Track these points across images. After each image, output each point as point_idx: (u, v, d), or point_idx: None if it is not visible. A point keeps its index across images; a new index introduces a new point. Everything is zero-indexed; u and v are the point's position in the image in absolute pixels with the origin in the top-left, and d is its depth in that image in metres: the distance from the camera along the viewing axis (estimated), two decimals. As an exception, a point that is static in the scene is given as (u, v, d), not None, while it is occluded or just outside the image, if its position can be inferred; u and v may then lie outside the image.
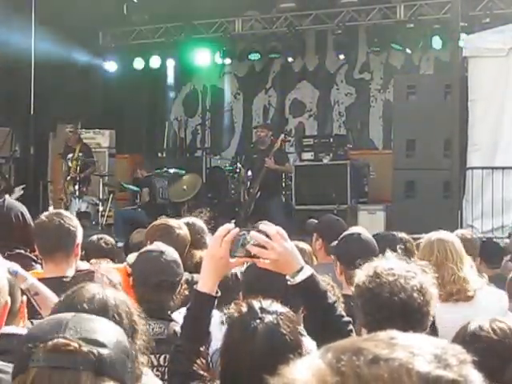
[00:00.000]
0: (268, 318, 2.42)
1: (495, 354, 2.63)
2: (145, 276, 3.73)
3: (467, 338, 2.73)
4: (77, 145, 13.29)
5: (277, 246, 2.64)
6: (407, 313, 2.69)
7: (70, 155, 13.20)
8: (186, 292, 3.87)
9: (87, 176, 13.30)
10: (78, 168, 13.00)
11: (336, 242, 5.01)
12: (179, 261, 3.88)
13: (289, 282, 2.70)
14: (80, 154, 13.06)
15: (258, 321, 2.42)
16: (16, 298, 2.74)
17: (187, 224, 5.23)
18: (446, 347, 0.99)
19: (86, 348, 1.47)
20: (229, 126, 16.85)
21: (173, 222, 4.98)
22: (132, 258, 4.28)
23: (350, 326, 2.85)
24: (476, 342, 2.66)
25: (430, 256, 4.53)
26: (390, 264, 2.88)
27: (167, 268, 3.77)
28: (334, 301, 2.82)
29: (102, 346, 1.50)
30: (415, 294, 2.75)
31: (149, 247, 3.99)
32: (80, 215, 12.51)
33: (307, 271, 2.74)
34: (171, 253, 3.87)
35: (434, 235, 4.75)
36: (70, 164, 13.11)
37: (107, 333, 1.54)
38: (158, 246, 3.93)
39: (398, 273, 2.80)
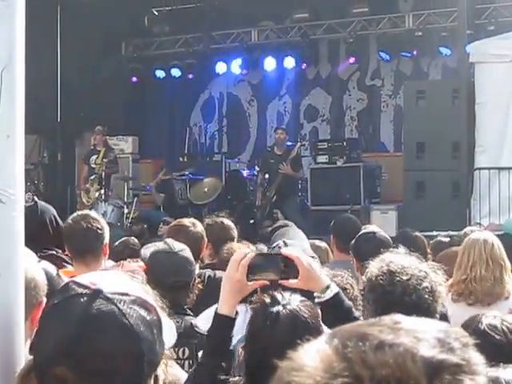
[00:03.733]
0: (290, 305, 2.49)
1: (504, 355, 2.59)
2: (159, 277, 3.62)
3: (478, 335, 2.65)
4: (102, 148, 13.51)
5: (306, 263, 2.68)
6: (417, 312, 2.62)
7: (93, 157, 13.43)
8: (200, 286, 3.95)
9: (107, 176, 13.44)
10: (102, 171, 13.26)
11: (349, 239, 5.29)
12: (192, 259, 3.85)
13: (317, 300, 2.72)
14: (105, 160, 13.29)
15: (280, 307, 2.48)
16: None
17: (216, 222, 5.50)
18: (449, 331, 0.98)
19: (93, 379, 1.45)
20: (244, 131, 17.27)
21: (186, 220, 5.06)
22: (145, 252, 4.27)
23: None
24: (486, 340, 2.63)
25: (467, 255, 4.76)
26: (402, 261, 2.91)
27: (181, 268, 3.75)
28: (358, 316, 2.86)
29: (111, 373, 1.46)
30: (426, 296, 2.80)
31: (161, 247, 3.88)
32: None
33: (334, 288, 2.79)
34: (184, 252, 3.82)
35: (475, 235, 4.93)
36: (93, 165, 13.33)
37: (116, 354, 1.46)
38: (171, 245, 3.85)
39: (411, 272, 2.84)
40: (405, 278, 2.83)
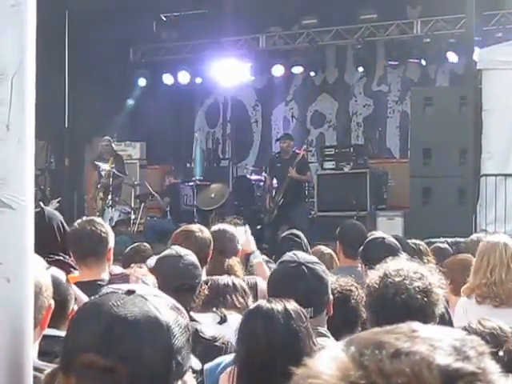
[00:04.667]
0: (282, 304, 2.59)
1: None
2: (165, 280, 3.70)
3: None
4: (110, 156, 13.62)
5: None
6: (409, 313, 2.68)
7: (103, 165, 13.49)
8: (206, 292, 3.99)
9: (116, 186, 13.63)
10: (110, 179, 13.38)
11: (355, 245, 5.42)
12: (197, 263, 3.89)
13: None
14: (112, 166, 13.40)
15: (273, 305, 2.57)
16: (68, 304, 2.79)
17: (218, 230, 5.42)
18: (465, 339, 0.98)
19: (120, 366, 1.44)
20: (248, 136, 17.31)
21: (194, 226, 5.10)
22: (152, 261, 4.38)
23: None
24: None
25: (485, 259, 4.70)
26: (400, 265, 2.96)
27: (186, 272, 3.78)
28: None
29: (138, 361, 1.46)
30: (418, 296, 2.81)
31: (167, 252, 3.95)
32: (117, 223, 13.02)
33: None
34: (189, 256, 3.87)
35: (492, 239, 4.88)
36: (102, 173, 13.45)
37: (145, 343, 1.46)
38: (176, 250, 3.90)
39: (405, 274, 2.88)
40: (397, 279, 2.86)
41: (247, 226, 5.93)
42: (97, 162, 13.78)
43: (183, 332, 1.52)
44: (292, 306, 2.59)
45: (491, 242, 4.85)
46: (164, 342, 1.48)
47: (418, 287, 2.83)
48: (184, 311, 1.58)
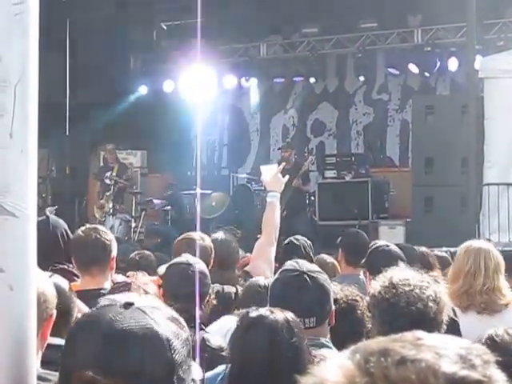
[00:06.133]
0: (284, 315, 2.57)
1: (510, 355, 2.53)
2: (174, 288, 3.77)
3: (484, 343, 2.73)
4: (115, 163, 13.75)
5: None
6: (424, 322, 2.71)
7: (107, 173, 13.60)
8: (215, 302, 4.02)
9: (121, 192, 13.73)
10: (116, 187, 13.48)
11: (357, 253, 5.47)
12: (206, 272, 3.95)
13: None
14: (114, 175, 13.50)
15: (277, 316, 2.55)
16: (72, 312, 2.77)
17: (216, 240, 5.34)
18: (470, 347, 0.98)
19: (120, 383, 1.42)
20: (246, 144, 17.35)
21: (195, 234, 5.09)
22: (162, 269, 4.40)
23: None
24: (493, 346, 2.61)
25: (465, 265, 4.54)
26: (404, 275, 2.97)
27: (195, 279, 3.80)
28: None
29: (139, 378, 1.43)
30: (430, 304, 2.84)
31: (177, 260, 4.01)
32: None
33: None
34: (198, 264, 3.92)
35: (472, 244, 4.70)
36: (108, 182, 13.53)
37: (145, 359, 1.43)
38: (186, 258, 3.96)
39: (413, 283, 2.90)
40: (407, 288, 2.88)
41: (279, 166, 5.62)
42: (100, 173, 13.82)
43: (184, 345, 1.49)
44: (292, 318, 2.57)
45: (475, 247, 4.69)
46: (165, 358, 1.45)
47: (431, 296, 2.86)
48: (184, 323, 1.54)
